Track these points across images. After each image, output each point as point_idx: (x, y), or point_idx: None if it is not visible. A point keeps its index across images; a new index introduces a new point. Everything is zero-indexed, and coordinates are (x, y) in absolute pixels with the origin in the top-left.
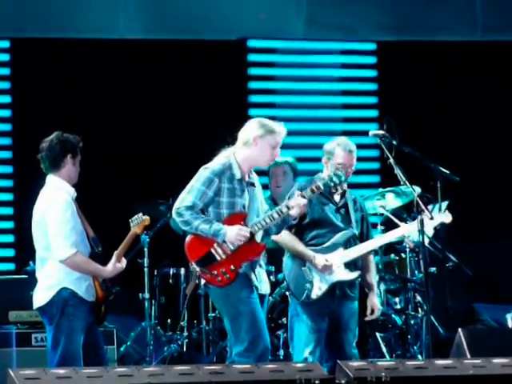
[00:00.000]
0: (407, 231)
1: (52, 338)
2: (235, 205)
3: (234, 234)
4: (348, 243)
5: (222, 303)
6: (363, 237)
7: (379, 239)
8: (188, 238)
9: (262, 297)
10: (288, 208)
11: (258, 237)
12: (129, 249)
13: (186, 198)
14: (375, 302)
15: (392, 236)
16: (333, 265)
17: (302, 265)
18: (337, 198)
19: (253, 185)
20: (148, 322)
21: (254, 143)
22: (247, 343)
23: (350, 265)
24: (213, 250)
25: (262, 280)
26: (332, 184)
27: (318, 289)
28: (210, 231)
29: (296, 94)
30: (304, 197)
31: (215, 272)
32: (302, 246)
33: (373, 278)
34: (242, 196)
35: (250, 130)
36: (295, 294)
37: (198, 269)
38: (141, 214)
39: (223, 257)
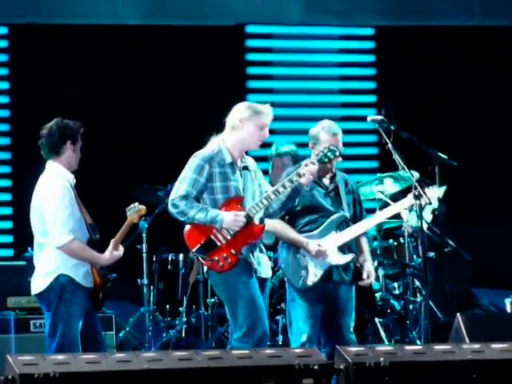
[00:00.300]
0: (397, 209)
1: (50, 324)
2: (229, 189)
3: (230, 219)
4: (340, 226)
5: (221, 288)
6: (356, 219)
7: (371, 220)
8: (187, 228)
9: (262, 280)
10: (299, 176)
11: (257, 219)
12: (126, 237)
13: (179, 187)
14: (370, 269)
15: (382, 216)
16: (326, 249)
17: (297, 252)
18: (326, 181)
19: (246, 168)
20: (147, 308)
21: (241, 126)
22: (245, 328)
23: (344, 248)
24: (212, 237)
25: (261, 263)
26: (326, 160)
27: (314, 275)
28: (206, 219)
29: (294, 80)
30: (285, 188)
31: (216, 258)
32: (294, 233)
33: (367, 256)
34: (235, 179)
35: (236, 114)
36: (291, 282)
37: (199, 256)
38: (137, 204)
39: (223, 242)
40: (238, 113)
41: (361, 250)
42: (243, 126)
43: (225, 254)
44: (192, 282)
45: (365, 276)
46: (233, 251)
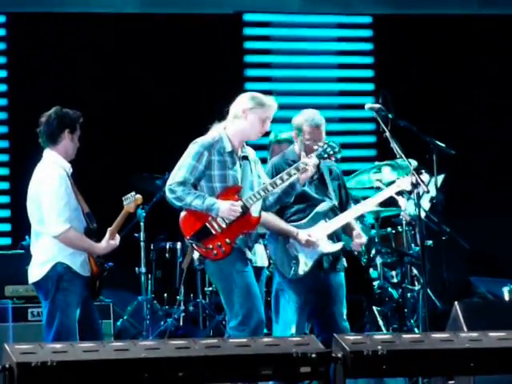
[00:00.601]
0: (384, 196)
1: (47, 312)
2: (227, 177)
3: (226, 209)
4: (328, 215)
5: (217, 278)
6: (342, 206)
7: (359, 207)
8: (182, 214)
9: (258, 269)
10: (298, 170)
11: (254, 209)
12: (122, 226)
13: (177, 173)
14: (359, 231)
15: (370, 203)
16: (316, 239)
17: (286, 242)
18: None
19: (246, 158)
20: (144, 297)
21: (244, 116)
22: (241, 317)
23: (333, 236)
24: (208, 224)
25: (256, 253)
26: (326, 155)
27: (304, 264)
28: (203, 206)
29: (292, 68)
30: (283, 180)
31: (210, 246)
32: (283, 223)
33: (353, 225)
34: (234, 168)
35: (240, 103)
36: (282, 272)
37: (193, 243)
38: (133, 193)
39: (218, 231)
40: (242, 103)
41: (350, 232)
42: (246, 116)
43: (219, 243)
44: (185, 268)
45: (355, 235)
46: (227, 240)
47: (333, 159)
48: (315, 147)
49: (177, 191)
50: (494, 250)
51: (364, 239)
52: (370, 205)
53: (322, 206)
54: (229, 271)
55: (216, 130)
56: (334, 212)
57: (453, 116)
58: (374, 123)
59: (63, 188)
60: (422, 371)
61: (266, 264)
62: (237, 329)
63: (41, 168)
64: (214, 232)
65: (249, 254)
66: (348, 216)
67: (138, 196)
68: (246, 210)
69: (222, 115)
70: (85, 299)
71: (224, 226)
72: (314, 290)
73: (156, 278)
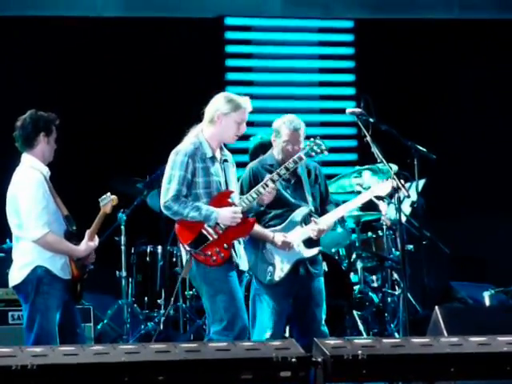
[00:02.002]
0: (362, 201)
1: (27, 316)
2: (211, 184)
3: (228, 215)
4: (305, 220)
5: (201, 281)
6: (323, 206)
7: (333, 214)
8: (176, 224)
9: (240, 273)
10: (257, 194)
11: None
12: (101, 227)
13: (169, 188)
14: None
15: (345, 208)
16: (292, 241)
17: (263, 248)
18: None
19: (226, 161)
20: (125, 300)
21: (219, 121)
22: (226, 322)
23: (310, 241)
24: (204, 231)
25: (240, 256)
26: (313, 153)
27: (280, 270)
28: (200, 217)
29: (273, 72)
30: (273, 181)
31: (209, 252)
32: (259, 227)
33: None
34: (217, 174)
35: (214, 107)
36: (259, 278)
37: (191, 251)
38: (109, 194)
39: (215, 237)
40: (216, 107)
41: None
42: (221, 120)
43: (217, 249)
44: (186, 277)
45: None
46: (225, 245)
47: (320, 155)
48: (301, 146)
49: (173, 207)
50: (475, 254)
51: (321, 226)
52: (344, 209)
53: (299, 212)
54: (214, 276)
55: (194, 135)
56: (310, 217)
57: (434, 120)
58: (355, 127)
59: (41, 192)
60: (402, 376)
61: (247, 268)
62: (220, 334)
63: (18, 172)
64: (210, 238)
65: (235, 258)
66: (322, 223)
67: (114, 196)
68: (242, 214)
69: (200, 118)
70: (66, 303)
71: (221, 232)
72: (291, 295)
73: (136, 282)
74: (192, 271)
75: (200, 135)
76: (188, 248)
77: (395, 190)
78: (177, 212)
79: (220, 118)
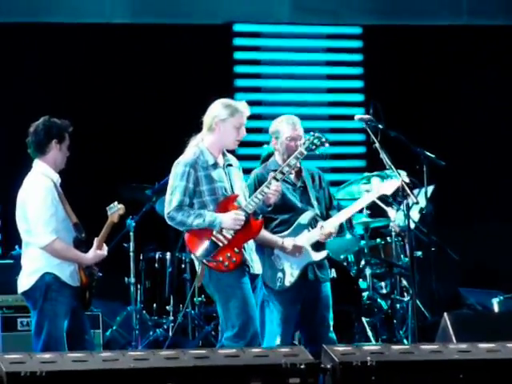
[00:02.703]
0: (369, 200)
1: (36, 322)
2: (216, 190)
3: (230, 220)
4: (312, 224)
5: (214, 288)
6: (327, 211)
7: (340, 216)
8: (187, 233)
9: (254, 277)
10: (263, 195)
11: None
12: (110, 235)
13: (172, 199)
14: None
15: (351, 210)
16: (302, 245)
17: (271, 254)
18: (293, 177)
19: (230, 165)
20: (134, 307)
21: (217, 128)
22: (237, 328)
23: (317, 245)
24: (213, 238)
25: (253, 260)
26: (314, 146)
27: (290, 275)
28: (205, 224)
29: (282, 78)
30: (277, 180)
31: (221, 258)
32: (267, 233)
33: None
34: (221, 180)
35: (212, 115)
36: (269, 284)
37: (203, 260)
38: (116, 203)
39: (225, 242)
40: (213, 114)
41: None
42: (219, 127)
43: (229, 254)
44: (198, 285)
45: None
46: (236, 249)
47: (322, 148)
48: (302, 141)
49: (176, 217)
50: (484, 260)
51: (328, 229)
52: (347, 213)
53: (305, 216)
54: (226, 282)
55: (194, 145)
56: (316, 221)
57: (443, 126)
58: (364, 134)
59: (49, 198)
60: (411, 382)
61: (260, 271)
62: (232, 340)
63: (29, 179)
64: (221, 244)
65: (249, 262)
66: (329, 226)
67: (121, 206)
68: (247, 216)
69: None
70: (75, 310)
71: (230, 236)
72: (299, 301)
73: (145, 289)
74: (205, 279)
75: (200, 144)
76: (199, 257)
77: (404, 196)
78: (181, 222)
79: (218, 125)
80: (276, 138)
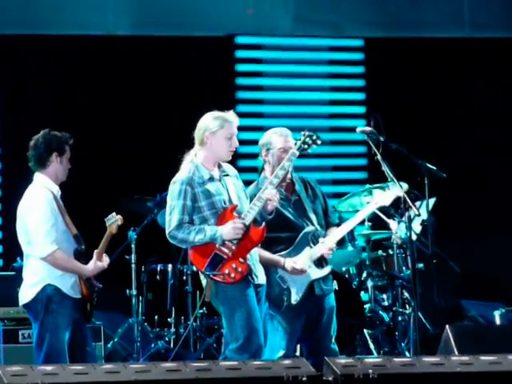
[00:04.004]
0: (368, 212)
1: (37, 334)
2: (215, 204)
3: (229, 230)
4: (313, 240)
5: (219, 300)
6: (326, 218)
7: (340, 230)
8: (190, 251)
9: (258, 287)
10: (261, 202)
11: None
12: (111, 246)
13: (171, 219)
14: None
15: (352, 223)
16: (303, 266)
17: (275, 273)
18: (285, 191)
19: (227, 175)
20: (135, 319)
21: (209, 141)
22: (242, 341)
23: (320, 261)
24: (217, 251)
25: (258, 270)
26: (306, 146)
27: (296, 294)
28: (207, 239)
29: (284, 91)
30: (273, 184)
31: (227, 271)
32: (267, 253)
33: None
34: (219, 193)
35: (201, 129)
36: (275, 305)
37: (210, 274)
38: (114, 214)
39: (229, 254)
40: (204, 128)
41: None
42: (211, 141)
43: (234, 265)
44: (207, 300)
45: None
46: (241, 260)
47: (314, 147)
48: (295, 142)
49: (177, 236)
50: (486, 272)
51: (329, 245)
52: (349, 226)
53: (305, 233)
54: (231, 295)
55: (188, 161)
56: (316, 236)
57: (444, 139)
58: (366, 146)
59: (49, 210)
60: None
61: (265, 281)
62: (236, 352)
63: (29, 191)
64: (225, 257)
65: (254, 270)
66: (334, 238)
67: (119, 216)
68: (248, 225)
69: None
70: (76, 322)
71: (233, 247)
72: (304, 314)
73: (147, 301)
74: (211, 292)
75: (194, 160)
76: (205, 272)
77: (406, 208)
78: (182, 239)
79: (209, 138)
80: (267, 150)
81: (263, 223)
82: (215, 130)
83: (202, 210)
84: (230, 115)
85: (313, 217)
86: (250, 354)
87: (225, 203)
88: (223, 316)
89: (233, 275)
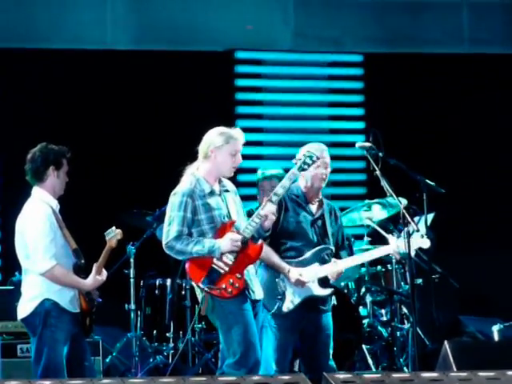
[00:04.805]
0: (383, 253)
1: (35, 348)
2: (214, 218)
3: (227, 242)
4: (324, 258)
5: (216, 315)
6: (338, 249)
7: (355, 258)
8: (187, 263)
9: (255, 302)
10: (259, 218)
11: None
12: (110, 260)
13: (170, 229)
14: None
15: (367, 257)
16: (307, 280)
17: (276, 276)
18: (313, 207)
19: (227, 191)
20: (134, 333)
21: (213, 155)
22: (239, 356)
23: (323, 280)
24: (214, 266)
25: (254, 285)
26: (306, 166)
27: (290, 302)
28: (204, 251)
29: (283, 106)
30: (272, 202)
31: (224, 285)
32: (276, 257)
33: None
34: (219, 208)
35: (207, 143)
36: (267, 306)
37: (206, 288)
38: (114, 228)
39: (226, 269)
40: (209, 142)
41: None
42: (215, 155)
43: (231, 280)
44: (203, 314)
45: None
46: (238, 275)
47: (313, 165)
48: (294, 161)
49: (175, 246)
50: (484, 288)
51: (339, 268)
52: (364, 258)
53: (318, 250)
54: (228, 309)
55: (190, 174)
56: (329, 257)
57: (443, 154)
58: (365, 161)
59: (48, 225)
60: None
61: (262, 296)
62: (233, 367)
63: (27, 205)
64: (222, 272)
65: (251, 286)
66: (344, 265)
67: (119, 230)
68: (246, 240)
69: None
70: (75, 336)
71: (231, 262)
72: (297, 330)
73: (145, 315)
74: (208, 306)
75: (196, 173)
76: (202, 286)
77: (404, 224)
78: (180, 250)
79: (214, 152)
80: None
81: (260, 240)
82: (220, 144)
83: (201, 223)
84: (237, 132)
85: (330, 239)
86: (248, 368)
87: (224, 218)
88: (220, 330)
89: (230, 290)
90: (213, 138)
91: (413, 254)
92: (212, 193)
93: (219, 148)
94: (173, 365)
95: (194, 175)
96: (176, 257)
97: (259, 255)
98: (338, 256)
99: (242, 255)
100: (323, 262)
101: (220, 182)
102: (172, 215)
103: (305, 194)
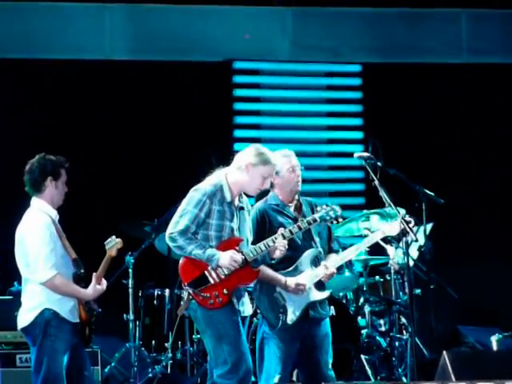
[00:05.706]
0: (373, 240)
1: (35, 358)
2: (223, 228)
3: (227, 259)
4: (315, 262)
5: (205, 324)
6: (329, 243)
7: (343, 256)
8: (182, 260)
9: (242, 319)
10: (267, 248)
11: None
12: (109, 270)
13: (180, 221)
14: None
15: (355, 251)
16: (305, 285)
17: (273, 291)
18: (292, 210)
19: (242, 208)
20: (132, 343)
21: (246, 170)
22: (230, 365)
23: (319, 284)
24: (206, 273)
25: (243, 303)
26: (328, 217)
27: (293, 313)
28: (203, 256)
29: (281, 116)
30: (284, 237)
31: (208, 294)
32: (270, 270)
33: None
34: (232, 220)
35: (245, 156)
36: (271, 323)
37: (190, 290)
38: (114, 237)
39: (217, 280)
40: (248, 156)
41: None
42: (248, 170)
43: (217, 293)
44: (180, 315)
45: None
46: (225, 291)
47: (334, 223)
48: (318, 208)
49: (178, 240)
50: (483, 298)
51: (331, 270)
52: (354, 251)
53: (308, 254)
54: (218, 319)
55: (217, 177)
56: (319, 259)
57: (442, 164)
58: (363, 171)
59: (48, 234)
60: None
61: (250, 313)
62: (224, 377)
63: (27, 216)
64: (212, 281)
65: (236, 304)
66: (336, 263)
67: (119, 240)
68: (245, 262)
69: (210, 162)
70: (75, 346)
71: (223, 276)
72: (298, 339)
73: (144, 325)
74: (196, 314)
75: (222, 178)
76: (187, 287)
77: (403, 234)
78: (181, 246)
79: (248, 168)
80: (276, 174)
81: (258, 267)
82: (257, 163)
83: (209, 227)
84: (276, 158)
85: (317, 239)
86: (239, 378)
87: (232, 231)
88: (209, 340)
89: (211, 301)
90: (252, 154)
91: (411, 263)
92: (231, 203)
93: (254, 166)
94: (171, 375)
95: (220, 179)
96: (174, 250)
97: (253, 280)
98: (330, 250)
99: (237, 274)
100: (316, 265)
101: (240, 196)
102: (187, 209)
103: (282, 201)
